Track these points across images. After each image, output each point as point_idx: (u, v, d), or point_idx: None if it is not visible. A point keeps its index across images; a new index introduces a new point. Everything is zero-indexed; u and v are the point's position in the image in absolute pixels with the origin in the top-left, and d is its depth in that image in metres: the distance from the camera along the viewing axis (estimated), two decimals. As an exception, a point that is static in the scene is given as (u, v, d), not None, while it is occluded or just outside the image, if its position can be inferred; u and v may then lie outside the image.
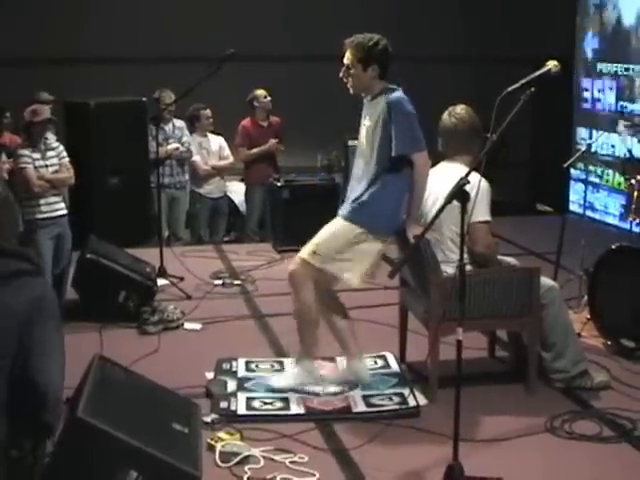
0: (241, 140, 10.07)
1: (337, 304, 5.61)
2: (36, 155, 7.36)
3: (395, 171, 5.24)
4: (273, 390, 5.44)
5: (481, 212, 5.14)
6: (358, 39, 5.28)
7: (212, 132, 10.19)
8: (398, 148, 5.16)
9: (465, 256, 5.20)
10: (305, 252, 5.32)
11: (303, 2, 12.33)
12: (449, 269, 5.09)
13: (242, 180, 10.66)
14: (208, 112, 9.99)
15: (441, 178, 5.20)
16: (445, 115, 5.50)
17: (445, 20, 12.80)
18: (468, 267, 5.32)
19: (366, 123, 5.36)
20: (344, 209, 5.38)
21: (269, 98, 10.07)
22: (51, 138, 7.66)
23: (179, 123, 9.75)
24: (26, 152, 7.33)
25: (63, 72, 10.88)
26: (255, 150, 10.03)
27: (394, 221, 5.31)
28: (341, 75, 5.33)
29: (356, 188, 5.37)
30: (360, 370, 5.59)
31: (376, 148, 5.25)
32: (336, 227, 5.33)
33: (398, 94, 5.25)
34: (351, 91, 5.37)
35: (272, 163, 10.23)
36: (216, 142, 10.18)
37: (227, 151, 10.22)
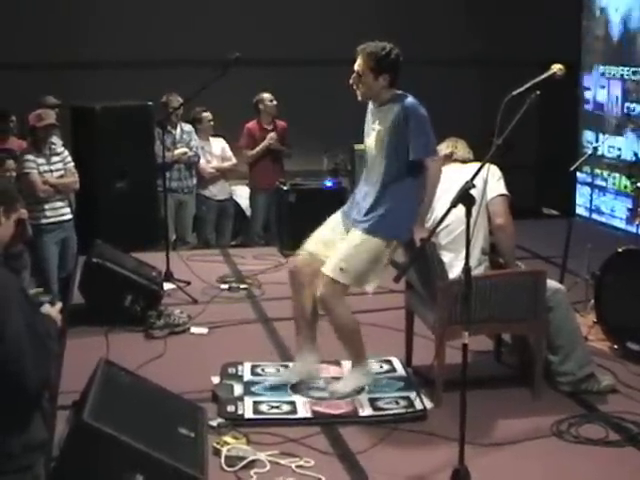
0: (245, 142, 10.09)
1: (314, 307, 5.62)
2: (41, 160, 7.39)
3: (410, 175, 5.25)
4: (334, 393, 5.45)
5: (500, 187, 5.41)
6: (371, 47, 5.27)
7: (213, 135, 10.20)
8: (416, 152, 5.18)
9: (483, 245, 5.29)
10: (330, 270, 5.25)
11: (309, 6, 12.33)
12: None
13: (248, 184, 10.67)
14: (209, 115, 10.01)
15: (456, 178, 5.27)
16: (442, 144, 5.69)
17: (452, 23, 12.80)
18: (481, 268, 5.35)
19: (376, 127, 5.34)
20: (363, 221, 5.30)
21: (275, 102, 10.08)
22: (57, 143, 7.68)
23: (187, 127, 9.76)
24: (30, 157, 7.36)
25: (69, 76, 10.91)
26: (257, 149, 10.02)
27: (411, 225, 5.32)
28: (351, 82, 5.33)
29: (370, 193, 5.35)
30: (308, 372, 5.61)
31: (388, 153, 5.25)
32: (359, 241, 5.26)
33: (413, 100, 5.26)
34: (359, 98, 5.37)
35: (278, 170, 10.21)
36: (218, 145, 10.21)
37: (229, 152, 10.25)
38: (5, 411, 3.29)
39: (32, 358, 3.23)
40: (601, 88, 11.08)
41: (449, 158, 5.69)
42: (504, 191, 5.43)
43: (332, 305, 5.31)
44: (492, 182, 5.30)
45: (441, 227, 5.13)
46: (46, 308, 3.75)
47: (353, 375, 5.52)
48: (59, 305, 3.85)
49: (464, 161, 5.69)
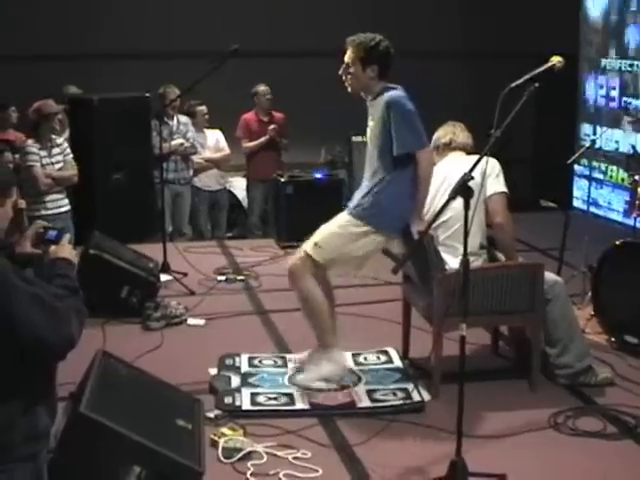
0: (241, 133, 10.15)
1: (330, 298, 5.60)
2: (43, 153, 7.40)
3: (400, 169, 5.23)
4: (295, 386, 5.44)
5: (498, 184, 5.38)
6: (360, 38, 5.27)
7: (208, 127, 10.21)
8: (399, 147, 5.16)
9: (480, 240, 5.29)
10: (307, 245, 5.32)
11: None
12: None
13: (245, 176, 10.68)
14: (204, 108, 10.04)
15: (453, 168, 5.27)
16: (441, 135, 5.69)
17: (449, 16, 12.79)
18: (479, 261, 5.35)
19: (370, 124, 5.36)
20: (351, 206, 5.37)
21: (269, 96, 10.09)
22: (65, 132, 7.67)
23: (184, 119, 9.75)
24: (34, 150, 7.36)
25: (66, 68, 10.88)
26: (255, 142, 10.06)
27: (401, 219, 5.29)
28: (340, 73, 5.33)
29: (363, 187, 5.39)
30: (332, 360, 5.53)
31: (379, 148, 5.26)
32: (341, 222, 5.32)
33: (396, 92, 5.24)
34: (349, 89, 5.36)
35: (275, 162, 10.22)
36: (213, 136, 10.22)
37: (223, 144, 10.27)
38: (28, 383, 3.29)
39: (47, 324, 3.21)
40: (599, 81, 11.06)
41: (448, 147, 5.67)
42: (503, 188, 5.41)
43: (298, 277, 5.34)
44: (491, 178, 5.30)
45: (439, 222, 5.12)
46: (53, 249, 3.63)
47: (316, 364, 5.48)
48: (66, 238, 3.71)
49: (465, 148, 5.65)
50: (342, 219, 5.34)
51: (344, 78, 5.33)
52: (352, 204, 5.38)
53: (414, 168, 5.24)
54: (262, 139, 10.06)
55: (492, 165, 5.29)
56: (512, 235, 5.51)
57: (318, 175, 9.67)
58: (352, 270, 5.40)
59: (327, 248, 5.27)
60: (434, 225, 4.81)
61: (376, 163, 5.29)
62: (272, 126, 10.06)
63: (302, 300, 5.42)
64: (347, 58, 5.30)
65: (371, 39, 5.27)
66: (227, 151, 10.28)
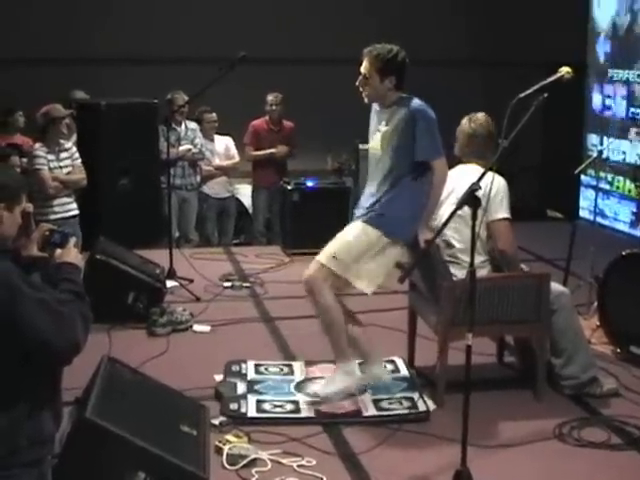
0: (247, 139, 10.14)
1: (346, 311, 5.56)
2: (51, 156, 7.42)
3: (415, 176, 5.23)
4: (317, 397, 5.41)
5: (502, 209, 5.31)
6: (377, 49, 5.26)
7: (219, 133, 10.22)
8: (422, 154, 5.17)
9: (482, 259, 5.27)
10: (323, 256, 5.29)
11: (314, 5, 12.34)
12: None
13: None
14: (213, 116, 10.03)
15: (461, 180, 5.25)
16: (465, 120, 5.58)
17: (455, 24, 12.80)
18: (484, 271, 5.32)
19: (382, 128, 5.33)
20: (364, 214, 5.32)
21: (274, 106, 10.07)
22: (72, 136, 7.68)
23: (192, 125, 9.75)
24: (41, 153, 7.39)
25: (74, 72, 10.90)
26: (261, 152, 10.08)
27: (414, 226, 5.29)
28: (357, 84, 5.32)
29: (374, 193, 5.35)
30: (380, 374, 5.58)
31: (394, 154, 5.24)
32: (356, 232, 5.27)
33: (420, 102, 5.25)
34: (366, 100, 5.37)
35: (281, 169, 10.23)
36: (222, 143, 10.21)
37: (233, 151, 10.27)
38: (35, 385, 3.30)
39: (52, 329, 3.21)
40: (606, 92, 11.06)
41: (471, 154, 5.58)
42: (507, 214, 5.33)
43: (317, 288, 5.26)
44: (496, 202, 5.22)
45: (440, 239, 5.11)
46: (58, 253, 3.61)
47: (335, 376, 5.44)
48: (72, 241, 3.68)
49: (484, 160, 5.55)
50: (358, 229, 5.29)
51: (361, 89, 5.33)
52: (361, 212, 5.36)
53: (427, 177, 5.24)
54: (268, 151, 10.08)
55: (497, 186, 5.15)
56: (515, 259, 5.47)
57: (310, 183, 9.62)
58: (369, 287, 5.33)
59: (345, 259, 5.22)
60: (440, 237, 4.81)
61: (387, 168, 5.27)
62: (284, 150, 10.08)
63: (321, 314, 5.35)
64: (364, 69, 5.28)
65: (388, 50, 5.25)
66: (237, 158, 10.28)
